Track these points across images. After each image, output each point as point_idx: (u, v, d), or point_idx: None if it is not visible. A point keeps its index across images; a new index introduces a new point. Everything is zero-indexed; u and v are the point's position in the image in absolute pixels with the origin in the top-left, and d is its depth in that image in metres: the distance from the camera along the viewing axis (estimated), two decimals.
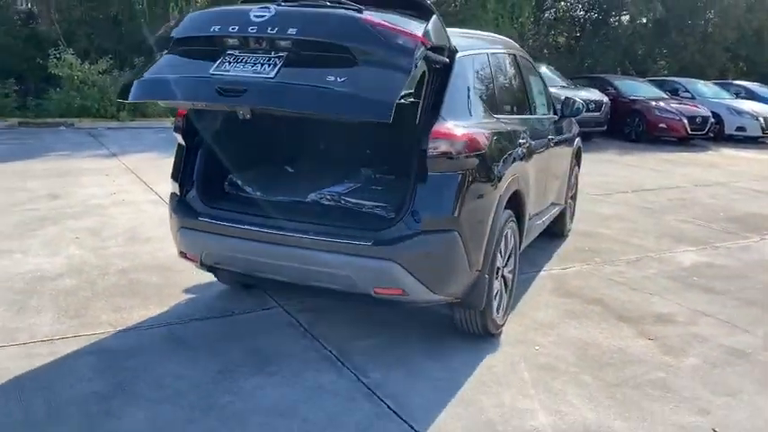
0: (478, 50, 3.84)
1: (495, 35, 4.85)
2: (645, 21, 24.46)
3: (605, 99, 14.35)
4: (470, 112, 3.44)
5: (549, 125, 5.03)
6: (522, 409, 3.06)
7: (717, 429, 2.96)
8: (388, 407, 3.01)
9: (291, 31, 2.87)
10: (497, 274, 3.65)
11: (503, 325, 3.84)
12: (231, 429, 2.78)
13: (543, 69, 15.54)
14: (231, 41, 3.03)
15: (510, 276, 3.93)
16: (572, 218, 6.36)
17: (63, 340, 3.51)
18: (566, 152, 5.59)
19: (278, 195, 3.64)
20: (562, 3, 25.01)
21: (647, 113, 14.85)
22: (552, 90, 14.17)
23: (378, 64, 2.81)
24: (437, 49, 3.10)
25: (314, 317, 3.95)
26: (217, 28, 3.03)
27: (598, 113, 14.02)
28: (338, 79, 2.75)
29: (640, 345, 3.85)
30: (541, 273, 5.05)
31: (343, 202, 3.55)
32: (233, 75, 2.93)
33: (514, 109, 4.33)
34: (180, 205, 3.61)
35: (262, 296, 4.22)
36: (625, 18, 24.79)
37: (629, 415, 3.05)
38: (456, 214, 3.16)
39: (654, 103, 15.13)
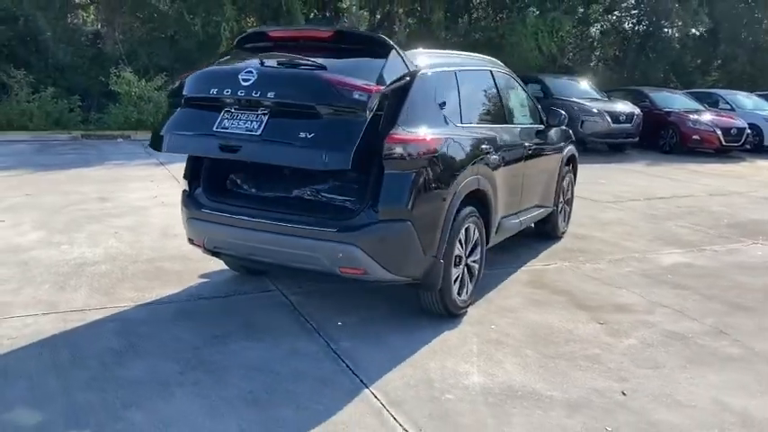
0: (444, 68, 4.40)
1: (476, 55, 5.40)
2: (695, 32, 24.28)
3: (637, 111, 14.55)
4: (429, 121, 3.99)
5: (530, 133, 5.52)
6: (461, 371, 3.59)
7: (625, 392, 3.43)
8: (347, 366, 3.60)
9: (270, 94, 3.62)
10: (458, 261, 4.20)
11: (465, 307, 4.37)
12: (214, 379, 3.41)
13: (582, 83, 15.88)
14: (227, 101, 3.78)
15: (475, 266, 4.46)
16: (567, 221, 6.79)
17: (92, 311, 4.24)
18: (552, 158, 6.05)
19: (268, 192, 4.29)
20: (609, 16, 25.08)
21: (680, 125, 14.98)
22: (584, 102, 14.52)
23: (338, 119, 3.52)
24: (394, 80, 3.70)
25: (304, 299, 4.57)
26: (215, 91, 3.81)
27: (629, 125, 14.24)
28: (308, 135, 3.49)
29: (589, 328, 4.31)
30: (522, 268, 5.54)
31: (320, 196, 4.18)
32: (230, 132, 3.72)
33: (485, 118, 4.87)
34: (189, 200, 4.30)
35: (263, 281, 4.88)
36: (673, 30, 24.66)
37: (553, 380, 3.55)
38: (409, 207, 3.73)
39: (688, 115, 15.22)
